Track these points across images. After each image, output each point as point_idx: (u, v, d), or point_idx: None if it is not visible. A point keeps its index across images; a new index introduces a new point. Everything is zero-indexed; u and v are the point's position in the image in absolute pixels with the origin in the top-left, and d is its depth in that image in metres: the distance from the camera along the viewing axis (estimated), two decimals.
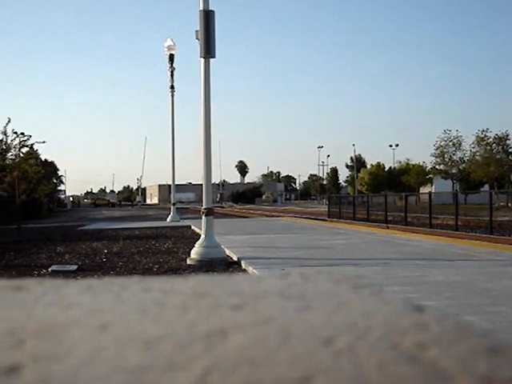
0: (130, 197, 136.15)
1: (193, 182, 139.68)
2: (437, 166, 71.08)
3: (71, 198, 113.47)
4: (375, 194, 56.28)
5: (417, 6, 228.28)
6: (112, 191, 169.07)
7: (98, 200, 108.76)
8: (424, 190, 75.14)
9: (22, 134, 23.27)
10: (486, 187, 66.03)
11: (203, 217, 12.05)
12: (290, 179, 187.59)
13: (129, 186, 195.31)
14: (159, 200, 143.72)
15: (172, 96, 29.98)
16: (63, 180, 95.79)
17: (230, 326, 0.75)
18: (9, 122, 23.44)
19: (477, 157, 65.20)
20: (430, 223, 24.63)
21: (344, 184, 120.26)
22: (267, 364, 0.60)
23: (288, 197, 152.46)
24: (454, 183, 70.50)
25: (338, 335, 0.70)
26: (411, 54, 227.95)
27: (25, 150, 23.76)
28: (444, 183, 72.01)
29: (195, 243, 12.23)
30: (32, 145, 23.94)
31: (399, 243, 14.14)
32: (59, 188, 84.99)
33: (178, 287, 1.00)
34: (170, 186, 38.36)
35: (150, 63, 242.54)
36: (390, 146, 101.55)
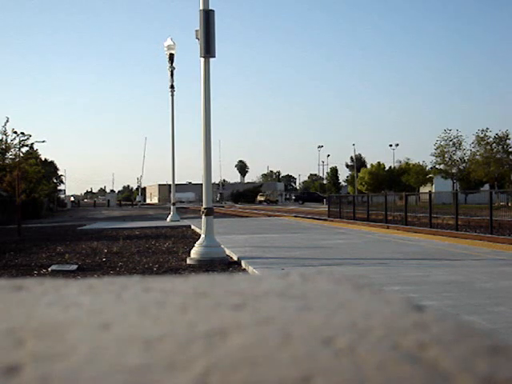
0: (130, 196, 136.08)
1: (193, 182, 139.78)
2: (437, 166, 71.02)
3: (72, 198, 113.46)
4: (375, 193, 56.26)
5: (417, 5, 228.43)
6: (112, 191, 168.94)
7: (259, 196, 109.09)
8: (424, 189, 75.11)
9: (22, 133, 23.28)
10: (486, 187, 66.03)
11: (203, 216, 12.05)
12: (290, 179, 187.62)
13: (129, 186, 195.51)
14: (159, 200, 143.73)
15: (172, 96, 29.99)
16: (63, 180, 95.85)
17: (230, 325, 0.75)
18: (7, 121, 23.43)
19: (477, 156, 65.12)
20: (430, 223, 24.61)
21: (344, 184, 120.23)
22: (267, 364, 0.60)
23: (288, 196, 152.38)
24: (454, 183, 70.45)
25: (339, 335, 0.70)
26: (411, 53, 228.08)
27: (25, 149, 23.79)
28: (444, 183, 71.96)
29: (195, 243, 12.23)
30: (32, 144, 23.95)
31: (399, 243, 14.13)
32: (59, 188, 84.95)
33: (179, 287, 1.00)
34: (169, 185, 38.37)
35: (150, 63, 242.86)
36: (390, 145, 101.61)
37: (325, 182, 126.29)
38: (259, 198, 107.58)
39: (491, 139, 63.75)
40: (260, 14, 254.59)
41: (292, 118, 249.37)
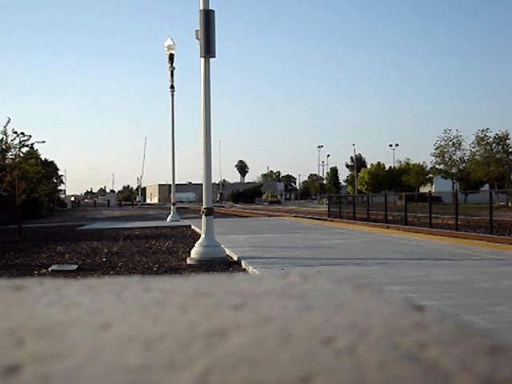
0: (130, 196, 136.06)
1: (193, 182, 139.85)
2: (437, 166, 71.07)
3: (73, 198, 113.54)
4: (375, 193, 56.23)
5: (417, 5, 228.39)
6: (112, 191, 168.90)
7: (271, 197, 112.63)
8: (424, 189, 75.12)
9: (22, 133, 23.23)
10: (486, 187, 66.07)
11: (203, 216, 12.04)
12: (290, 179, 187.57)
13: (129, 186, 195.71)
14: (159, 200, 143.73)
15: (172, 96, 29.98)
16: (63, 180, 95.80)
17: (230, 325, 0.75)
18: (8, 121, 23.39)
19: (477, 156, 65.18)
20: (430, 223, 24.62)
21: (344, 184, 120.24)
22: (267, 364, 0.60)
23: (288, 196, 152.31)
24: (453, 183, 70.48)
25: (338, 335, 0.70)
26: (411, 53, 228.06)
27: (25, 149, 23.73)
28: (444, 183, 72.02)
29: (195, 243, 12.23)
30: (32, 144, 23.90)
31: (399, 243, 14.13)
32: (59, 188, 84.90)
33: (179, 287, 1.00)
34: (169, 185, 38.37)
35: (150, 63, 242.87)
36: (390, 145, 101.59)
37: (325, 182, 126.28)
38: (271, 198, 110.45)
39: (491, 139, 63.80)
40: (260, 13, 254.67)
41: (292, 118, 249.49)
